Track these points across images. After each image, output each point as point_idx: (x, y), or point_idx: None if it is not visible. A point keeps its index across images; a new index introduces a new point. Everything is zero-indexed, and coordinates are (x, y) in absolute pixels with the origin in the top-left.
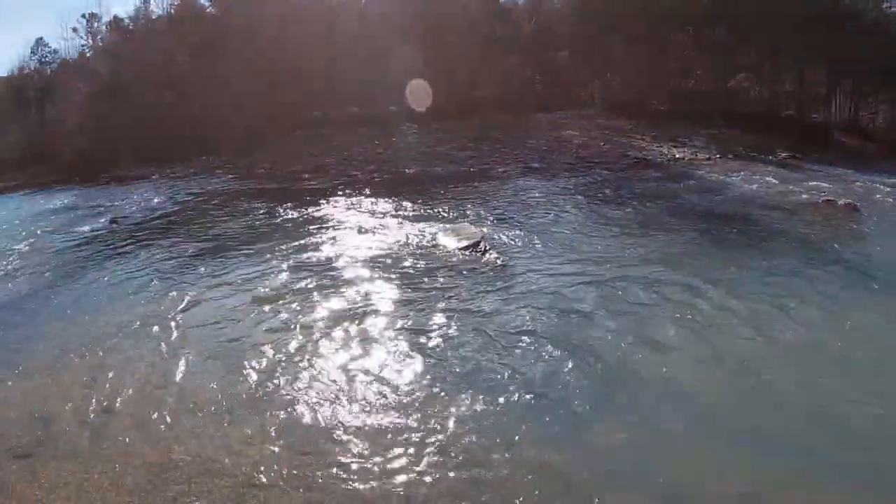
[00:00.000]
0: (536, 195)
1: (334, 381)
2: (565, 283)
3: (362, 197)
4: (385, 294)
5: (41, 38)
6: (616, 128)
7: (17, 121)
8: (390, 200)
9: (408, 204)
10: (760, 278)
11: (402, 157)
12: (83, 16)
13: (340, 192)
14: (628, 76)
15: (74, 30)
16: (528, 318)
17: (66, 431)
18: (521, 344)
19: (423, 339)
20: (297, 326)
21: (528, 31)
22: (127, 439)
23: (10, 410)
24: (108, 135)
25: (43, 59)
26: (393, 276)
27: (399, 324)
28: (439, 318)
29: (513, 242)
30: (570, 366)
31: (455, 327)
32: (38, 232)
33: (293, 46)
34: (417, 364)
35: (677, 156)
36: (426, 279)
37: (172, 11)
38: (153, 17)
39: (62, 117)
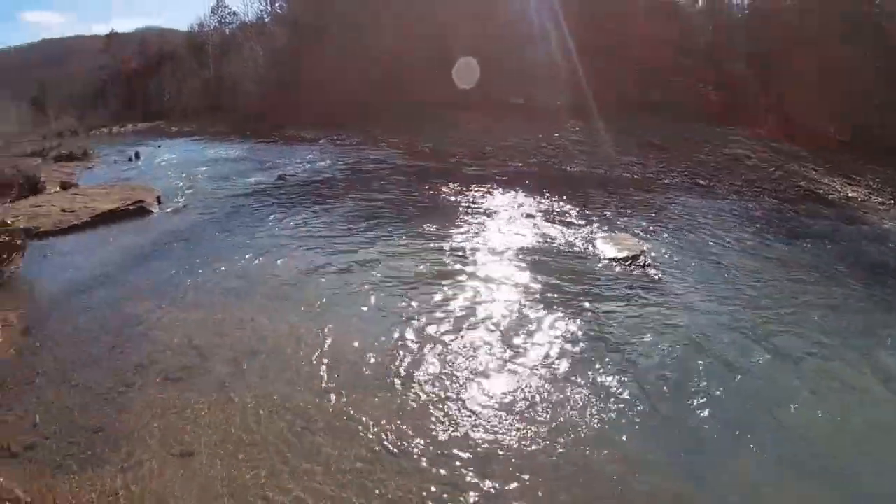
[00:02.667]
0: (700, 215)
1: (463, 381)
2: (722, 319)
3: (521, 189)
4: (535, 295)
5: (222, 0)
6: (789, 153)
7: (195, 73)
8: (550, 197)
9: (568, 203)
10: None
11: (565, 154)
12: None
13: (500, 182)
14: (808, 98)
15: None
16: (675, 350)
17: (215, 364)
18: (661, 375)
19: (556, 350)
20: (440, 310)
21: (705, 39)
22: (267, 381)
23: (170, 337)
24: (280, 96)
25: (222, 20)
26: (546, 277)
27: (542, 329)
28: (583, 332)
29: (672, 262)
30: (705, 413)
31: (597, 348)
32: (210, 176)
33: (464, 29)
34: (552, 375)
35: (850, 194)
36: (579, 286)
37: None
38: None
39: (238, 75)
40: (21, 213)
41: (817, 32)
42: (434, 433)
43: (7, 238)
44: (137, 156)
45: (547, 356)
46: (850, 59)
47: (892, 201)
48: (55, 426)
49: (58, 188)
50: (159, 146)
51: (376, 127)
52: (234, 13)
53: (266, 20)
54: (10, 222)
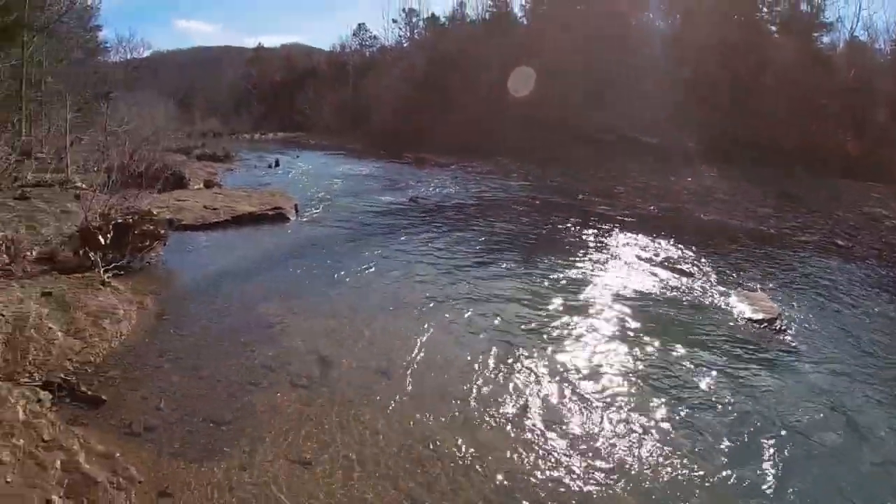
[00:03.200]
0: (839, 279)
1: (592, 438)
2: (860, 400)
3: (650, 234)
4: (660, 349)
5: (363, 24)
6: None
7: (334, 91)
8: (680, 244)
9: (698, 252)
10: None
11: (698, 200)
12: (403, 10)
13: (628, 224)
14: None
15: (394, 21)
16: (806, 432)
17: (341, 376)
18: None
19: (679, 415)
20: (561, 354)
21: (846, 85)
22: (392, 401)
23: (298, 343)
24: (415, 119)
25: (363, 43)
26: (672, 330)
27: (667, 388)
28: (715, 397)
29: (809, 330)
30: None
31: (723, 419)
32: (345, 191)
33: (599, 66)
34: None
35: None
36: (709, 345)
37: (487, 17)
38: (467, 20)
39: (375, 96)
40: (166, 205)
41: None
42: (560, 482)
43: (151, 227)
44: (277, 163)
45: (674, 418)
46: None
47: None
48: (178, 413)
49: (201, 186)
50: (297, 157)
51: (506, 157)
52: (375, 37)
53: (405, 45)
54: (155, 213)
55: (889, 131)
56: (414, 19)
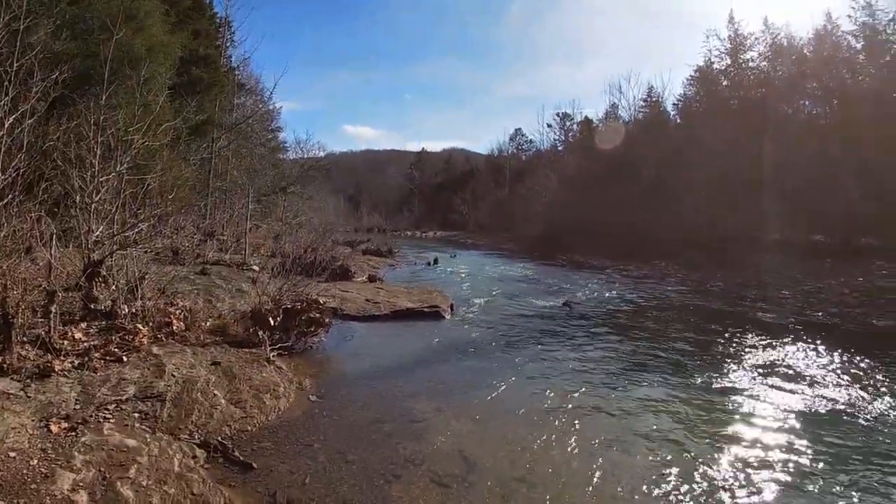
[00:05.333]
0: None
1: None
2: None
3: (816, 345)
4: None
5: (519, 129)
6: None
7: (491, 192)
8: (852, 356)
9: (873, 366)
10: None
11: (870, 304)
12: (557, 114)
13: (795, 334)
14: None
15: (549, 125)
16: None
17: (481, 480)
18: None
19: None
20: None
21: None
22: None
23: (442, 441)
24: (571, 221)
25: (519, 146)
26: (848, 464)
27: None
28: None
29: None
30: None
31: None
32: (499, 292)
33: (756, 163)
34: None
35: None
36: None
37: (640, 118)
38: (621, 122)
39: (531, 197)
40: (331, 294)
41: None
42: None
43: (317, 314)
44: (436, 261)
45: None
46: None
47: None
48: (321, 491)
49: (365, 278)
50: (455, 256)
51: (664, 260)
52: (531, 141)
53: (559, 149)
54: (321, 301)
55: None
56: (568, 123)
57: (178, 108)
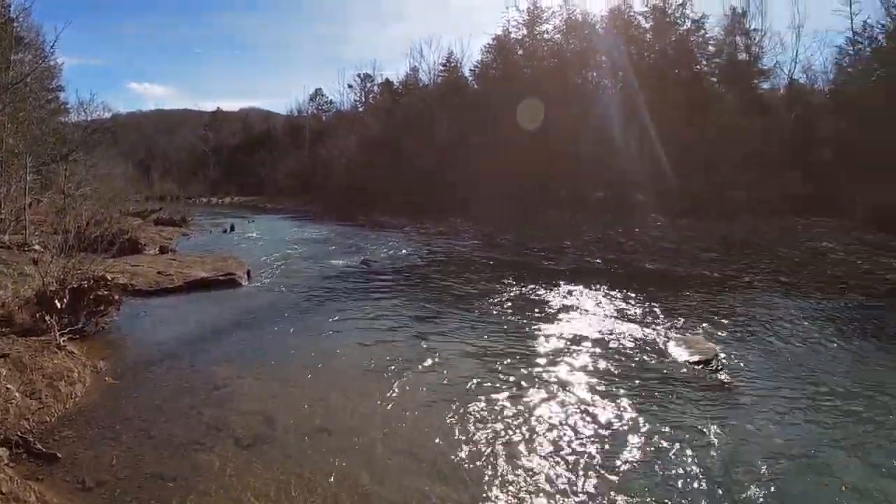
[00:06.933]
0: (781, 315)
1: (524, 477)
2: (799, 434)
3: (595, 287)
4: (597, 398)
5: (320, 89)
6: (878, 244)
7: (291, 154)
8: (623, 296)
9: (642, 302)
10: None
11: (644, 251)
12: (358, 75)
13: (574, 278)
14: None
15: (350, 86)
16: (729, 462)
17: (284, 436)
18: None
19: (622, 455)
20: (508, 403)
21: (788, 127)
22: (331, 458)
23: (245, 405)
24: (370, 182)
25: (320, 107)
26: (611, 378)
27: (604, 433)
28: (650, 438)
29: (746, 367)
30: None
31: (666, 455)
32: (298, 255)
33: (543, 127)
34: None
35: None
36: (645, 389)
37: (439, 82)
38: (420, 85)
39: (331, 159)
40: (120, 270)
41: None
42: None
43: (106, 292)
44: (232, 228)
45: (603, 456)
46: None
47: None
48: (129, 469)
49: (156, 251)
50: (252, 221)
51: (458, 217)
52: (331, 101)
53: (360, 110)
54: (109, 278)
55: (831, 168)
56: (368, 84)
57: None
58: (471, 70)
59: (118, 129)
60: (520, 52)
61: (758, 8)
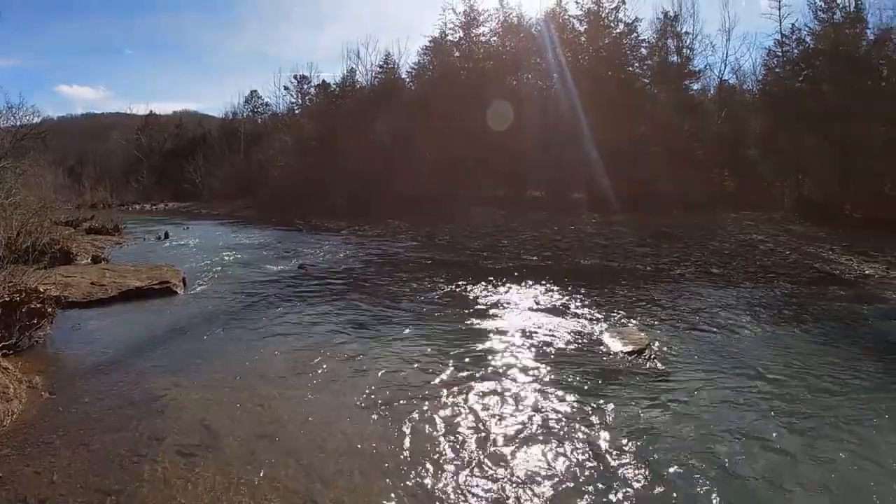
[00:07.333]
0: (712, 305)
1: (463, 467)
2: (721, 414)
3: (533, 283)
4: (537, 391)
5: (255, 91)
6: (804, 234)
7: (226, 158)
8: (560, 291)
9: (578, 297)
10: None
11: (579, 248)
12: (295, 77)
13: (512, 275)
14: (820, 177)
15: (286, 88)
16: (679, 442)
17: (225, 444)
18: (666, 465)
19: (561, 443)
20: (438, 402)
21: (718, 126)
22: (274, 464)
23: (184, 414)
24: (307, 186)
25: (255, 109)
26: (549, 371)
27: (543, 418)
28: (587, 427)
29: (679, 355)
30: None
31: (602, 442)
32: (234, 262)
33: (481, 129)
34: (551, 465)
35: (867, 272)
36: (581, 380)
37: (376, 83)
38: (357, 87)
39: (267, 163)
40: (53, 281)
41: (828, 112)
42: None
43: (39, 305)
44: (167, 235)
45: (541, 445)
46: (862, 136)
47: None
48: (70, 485)
49: (89, 261)
50: (188, 227)
51: (397, 219)
52: (267, 104)
53: (296, 112)
54: (41, 290)
55: (759, 164)
56: (305, 86)
57: None
58: (408, 71)
59: (48, 134)
60: (456, 53)
61: (689, 11)
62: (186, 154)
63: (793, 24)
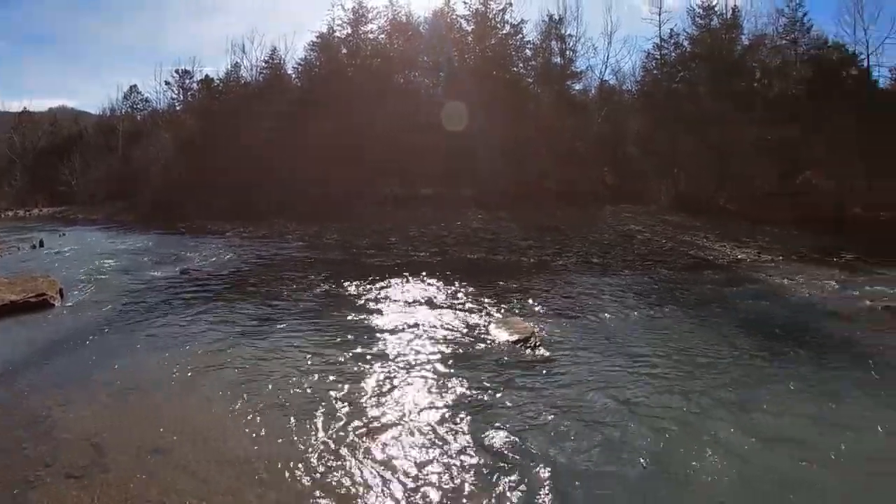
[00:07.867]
0: (592, 292)
1: (360, 457)
2: (602, 393)
3: (421, 279)
4: (427, 382)
5: (135, 86)
6: (680, 225)
7: (103, 159)
8: (448, 286)
9: (464, 291)
10: (807, 393)
11: (465, 243)
12: (176, 71)
13: (401, 272)
14: (695, 172)
15: (167, 83)
16: (566, 421)
17: (115, 460)
18: (558, 439)
19: (458, 431)
20: (329, 401)
21: (599, 125)
22: (167, 476)
23: (71, 434)
24: (189, 186)
25: (134, 106)
26: (438, 364)
27: (435, 411)
28: (480, 412)
29: (562, 341)
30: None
31: (495, 424)
32: (113, 269)
33: (369, 126)
34: (447, 454)
35: (739, 256)
36: (468, 370)
37: (261, 79)
38: (242, 83)
39: (147, 162)
40: None
41: (704, 116)
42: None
43: None
44: (42, 243)
45: (423, 433)
46: (735, 141)
47: (782, 258)
48: None
49: None
50: (64, 234)
51: (283, 219)
52: (147, 100)
53: (178, 108)
54: None
55: (636, 161)
56: (187, 81)
57: None
58: (294, 67)
59: None
60: (344, 50)
61: (573, 15)
62: (61, 154)
63: (671, 30)
